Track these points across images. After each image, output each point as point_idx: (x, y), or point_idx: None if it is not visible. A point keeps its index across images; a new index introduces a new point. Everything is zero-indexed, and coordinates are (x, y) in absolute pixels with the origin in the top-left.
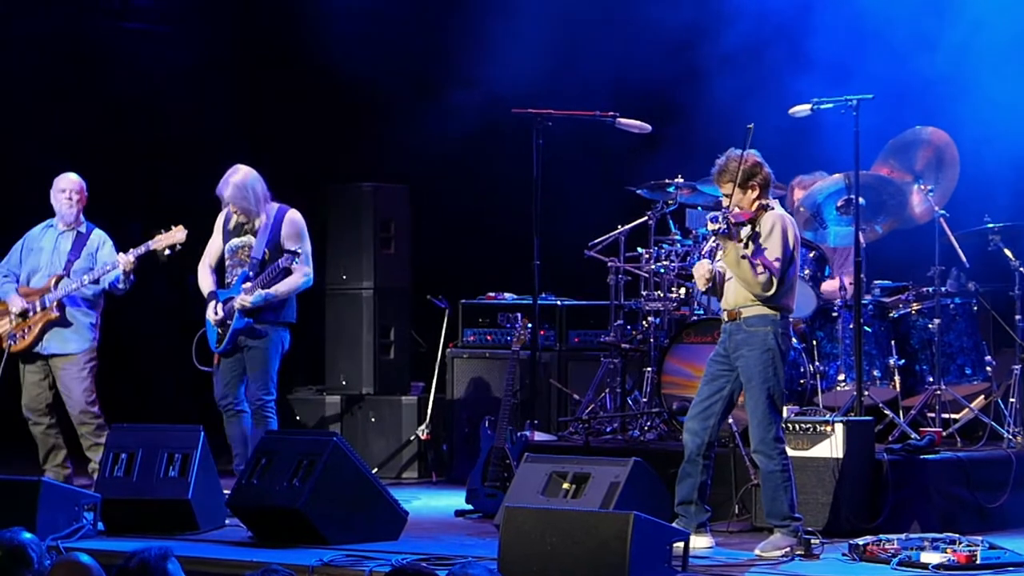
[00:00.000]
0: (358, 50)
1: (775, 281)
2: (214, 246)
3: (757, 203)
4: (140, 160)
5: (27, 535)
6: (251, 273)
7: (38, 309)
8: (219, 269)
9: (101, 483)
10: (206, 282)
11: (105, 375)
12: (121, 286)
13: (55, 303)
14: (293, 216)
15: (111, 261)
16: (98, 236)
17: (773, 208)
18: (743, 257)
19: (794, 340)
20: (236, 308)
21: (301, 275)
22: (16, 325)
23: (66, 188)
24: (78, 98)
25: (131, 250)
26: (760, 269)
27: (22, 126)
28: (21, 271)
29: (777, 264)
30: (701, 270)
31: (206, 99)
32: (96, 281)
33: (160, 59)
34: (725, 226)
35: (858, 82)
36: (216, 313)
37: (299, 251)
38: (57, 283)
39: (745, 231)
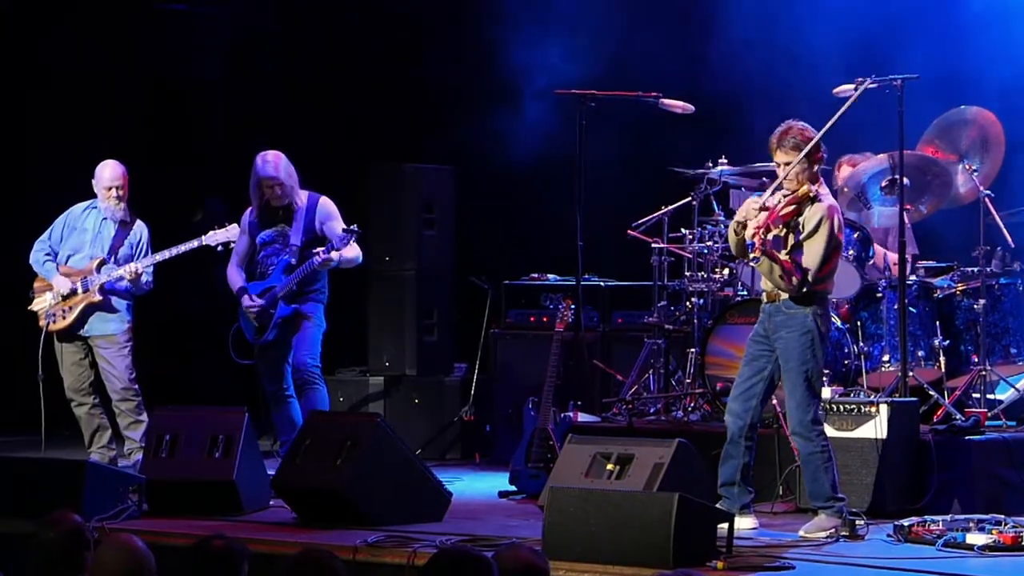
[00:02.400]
0: (400, 30)
1: (810, 279)
2: (242, 245)
3: (807, 185)
4: (180, 142)
5: (76, 517)
6: (292, 260)
7: (79, 291)
8: (246, 270)
9: (146, 464)
10: (236, 279)
11: (150, 356)
12: (133, 290)
13: (97, 287)
14: (326, 202)
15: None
16: (140, 228)
17: (822, 199)
18: (774, 261)
19: (838, 321)
20: (316, 266)
21: (357, 249)
22: (54, 304)
23: (111, 185)
24: (117, 80)
25: (142, 260)
26: (794, 278)
27: (61, 108)
28: (61, 249)
29: (813, 267)
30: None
31: (247, 80)
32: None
33: (200, 40)
34: (758, 255)
35: (903, 62)
36: (253, 303)
37: (354, 229)
38: (99, 267)
39: (788, 208)
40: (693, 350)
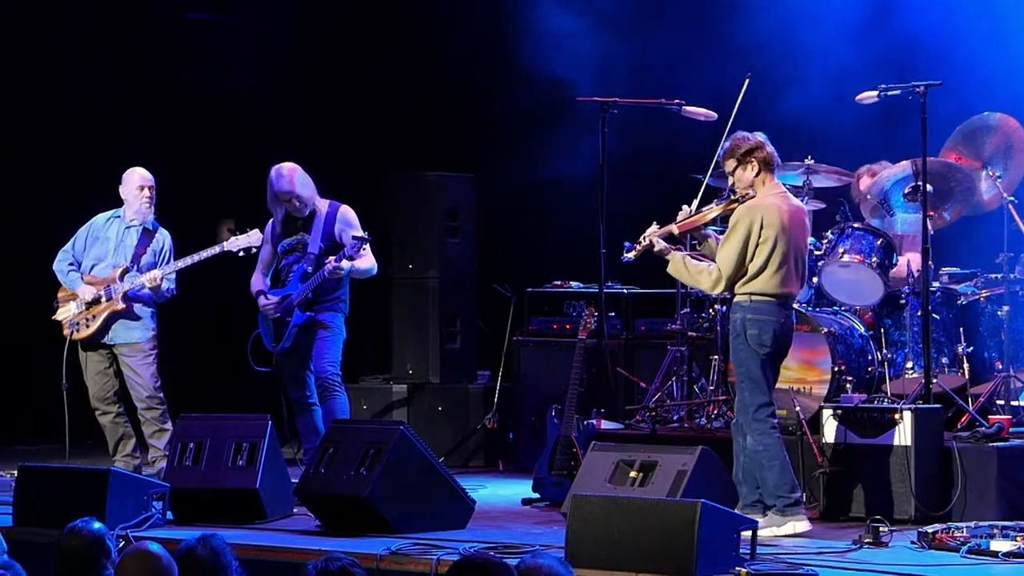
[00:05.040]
0: (422, 39)
1: (723, 281)
2: (266, 255)
3: (748, 190)
4: (202, 150)
5: (99, 525)
6: (309, 268)
7: (103, 299)
8: (271, 279)
9: (170, 472)
10: (257, 283)
11: (173, 365)
12: (156, 297)
13: (121, 295)
14: (346, 210)
15: (157, 271)
16: (163, 236)
17: (751, 200)
18: (687, 257)
19: (861, 328)
20: (326, 275)
21: (372, 260)
22: (78, 313)
23: (144, 185)
24: (142, 89)
25: (163, 267)
26: (703, 280)
27: (83, 117)
28: (84, 259)
29: (722, 266)
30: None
31: (269, 89)
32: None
33: (222, 49)
34: (632, 256)
35: (926, 68)
36: (268, 301)
37: (366, 236)
38: (123, 275)
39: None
40: (716, 357)
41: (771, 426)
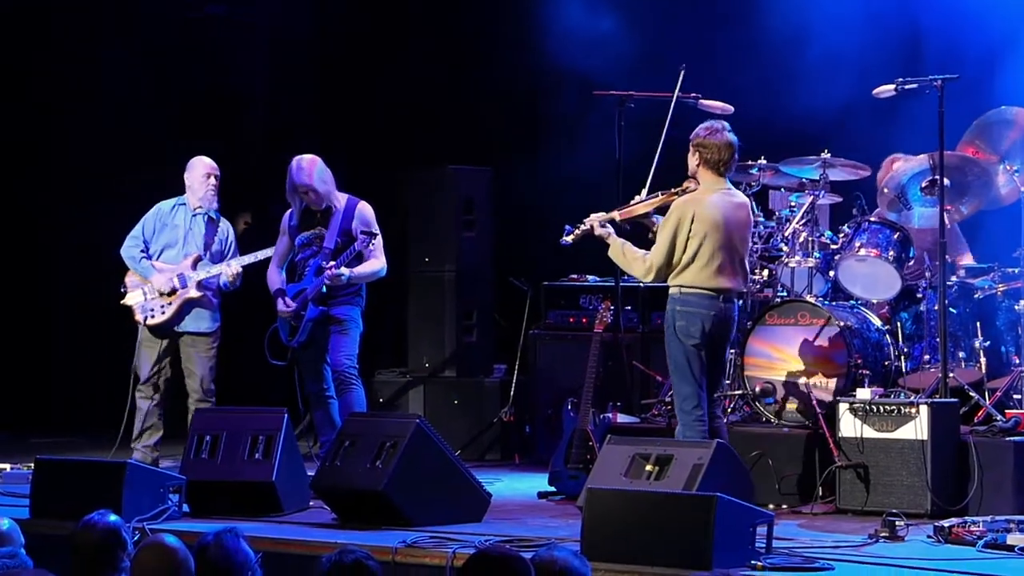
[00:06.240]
0: (437, 32)
1: (653, 270)
2: (282, 247)
3: (691, 183)
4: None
5: (114, 517)
6: (323, 262)
7: (178, 287)
8: (287, 272)
9: (186, 465)
10: (275, 279)
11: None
12: (229, 287)
13: (196, 283)
14: (364, 207)
15: (235, 262)
16: (227, 225)
17: (687, 195)
18: (626, 244)
19: (878, 322)
20: (326, 281)
21: (380, 261)
22: (151, 299)
23: (210, 173)
24: (158, 84)
25: (238, 259)
26: (639, 262)
27: (107, 115)
28: (153, 245)
29: (652, 257)
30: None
31: (285, 83)
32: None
33: (238, 44)
34: (570, 240)
35: (943, 61)
36: (287, 306)
37: (375, 232)
38: (195, 263)
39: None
40: (733, 351)
41: (695, 419)
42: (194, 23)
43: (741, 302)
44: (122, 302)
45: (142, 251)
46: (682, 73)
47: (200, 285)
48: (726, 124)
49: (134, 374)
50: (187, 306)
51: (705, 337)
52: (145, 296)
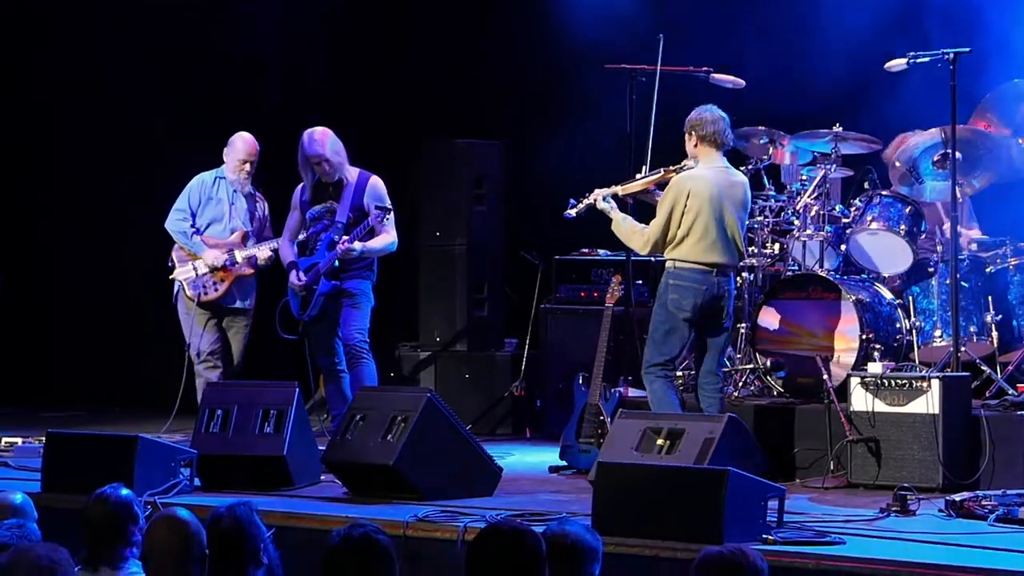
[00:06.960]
0: (450, 5)
1: (650, 243)
2: (293, 221)
3: (690, 161)
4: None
5: (126, 491)
6: (336, 237)
7: (229, 264)
8: (298, 245)
9: (197, 439)
10: (287, 253)
11: None
12: (265, 265)
13: (247, 259)
14: (376, 181)
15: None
16: (263, 201)
17: (692, 168)
18: (628, 218)
19: (889, 295)
20: (339, 256)
21: (391, 236)
22: (203, 275)
23: (247, 159)
24: (177, 55)
25: (268, 242)
26: (638, 235)
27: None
28: (199, 219)
29: (649, 231)
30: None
31: (299, 55)
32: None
33: (251, 12)
34: (573, 213)
35: (956, 35)
36: (299, 280)
37: (389, 207)
38: (244, 239)
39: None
40: (744, 325)
41: (656, 375)
42: None
43: (745, 277)
44: (171, 276)
45: (191, 226)
46: (660, 43)
47: (251, 261)
48: (713, 106)
49: (190, 350)
50: (238, 282)
51: (696, 311)
52: (196, 272)
